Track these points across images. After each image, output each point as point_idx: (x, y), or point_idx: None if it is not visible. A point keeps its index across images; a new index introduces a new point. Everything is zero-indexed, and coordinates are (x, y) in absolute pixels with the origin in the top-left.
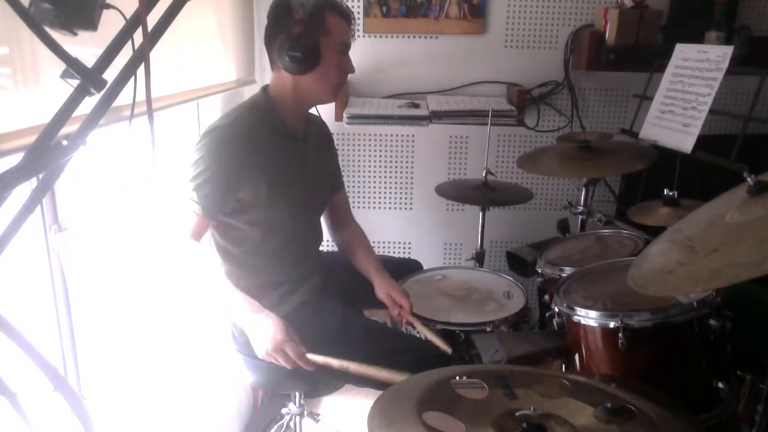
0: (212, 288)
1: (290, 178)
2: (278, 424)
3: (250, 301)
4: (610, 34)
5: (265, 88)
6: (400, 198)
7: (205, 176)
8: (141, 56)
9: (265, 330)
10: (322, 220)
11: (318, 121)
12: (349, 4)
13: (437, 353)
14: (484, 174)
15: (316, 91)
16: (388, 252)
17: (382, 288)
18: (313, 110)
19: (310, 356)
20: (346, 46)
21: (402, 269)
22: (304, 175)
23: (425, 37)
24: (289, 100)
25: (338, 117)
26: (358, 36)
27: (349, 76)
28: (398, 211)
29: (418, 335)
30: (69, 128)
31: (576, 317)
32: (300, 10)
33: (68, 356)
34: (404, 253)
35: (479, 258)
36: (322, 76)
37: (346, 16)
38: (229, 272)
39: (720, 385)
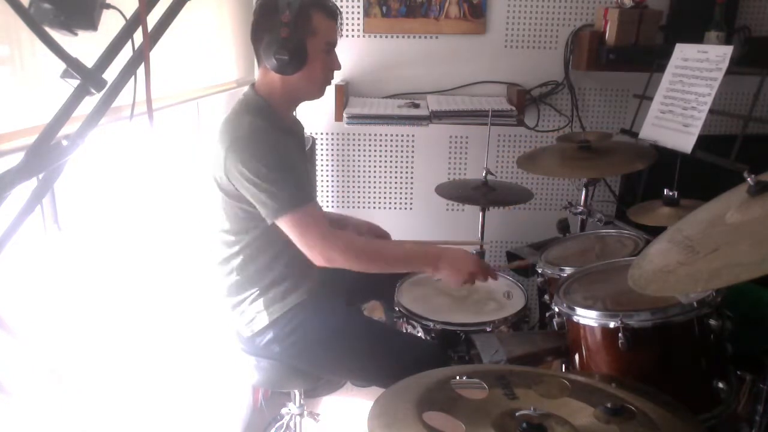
0: (396, 257)
1: (298, 171)
2: (278, 424)
3: (428, 243)
4: (610, 34)
5: (253, 86)
6: (400, 198)
7: (277, 174)
8: (141, 56)
9: (463, 256)
10: None
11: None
12: (350, 4)
13: (437, 353)
14: (484, 174)
15: (304, 89)
16: None
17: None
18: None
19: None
20: (333, 45)
21: None
22: (305, 166)
23: (425, 37)
24: (280, 98)
25: (338, 117)
26: (358, 36)
27: (349, 76)
28: (398, 211)
29: (418, 334)
30: (69, 128)
31: (576, 317)
32: (286, 11)
33: (68, 356)
34: None
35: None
36: (309, 75)
37: (332, 13)
38: (232, 270)
39: (720, 385)
